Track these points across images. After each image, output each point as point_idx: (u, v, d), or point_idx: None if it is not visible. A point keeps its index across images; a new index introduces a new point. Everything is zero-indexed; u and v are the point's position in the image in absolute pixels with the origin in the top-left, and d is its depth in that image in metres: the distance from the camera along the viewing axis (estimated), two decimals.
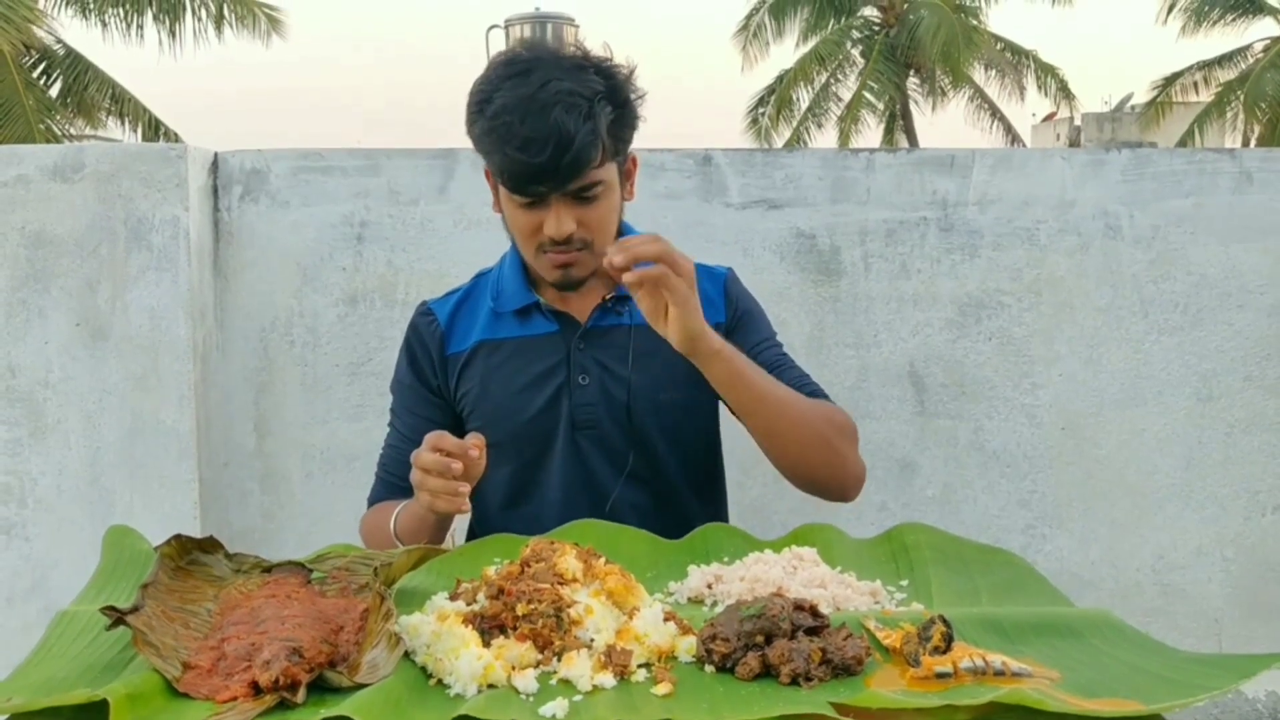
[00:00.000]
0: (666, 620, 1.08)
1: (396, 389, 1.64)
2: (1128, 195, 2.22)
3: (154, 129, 14.63)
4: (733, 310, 1.62)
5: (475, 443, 1.31)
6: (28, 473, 2.10)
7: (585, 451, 1.54)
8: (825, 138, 21.23)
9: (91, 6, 14.51)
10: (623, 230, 1.62)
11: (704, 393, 1.56)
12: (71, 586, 1.25)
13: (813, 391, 1.58)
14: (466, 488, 1.29)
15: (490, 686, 0.98)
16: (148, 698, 0.94)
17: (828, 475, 1.49)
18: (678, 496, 1.59)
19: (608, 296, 1.55)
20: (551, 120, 1.36)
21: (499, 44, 4.71)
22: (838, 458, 1.48)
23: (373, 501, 1.61)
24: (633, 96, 1.48)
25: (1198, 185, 2.22)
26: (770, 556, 1.27)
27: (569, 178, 1.39)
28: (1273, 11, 20.37)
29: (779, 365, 1.59)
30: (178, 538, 1.20)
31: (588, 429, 1.53)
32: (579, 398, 1.53)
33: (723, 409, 1.63)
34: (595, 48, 1.48)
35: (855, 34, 21.54)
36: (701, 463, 1.65)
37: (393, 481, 1.58)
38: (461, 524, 1.68)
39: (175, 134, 14.87)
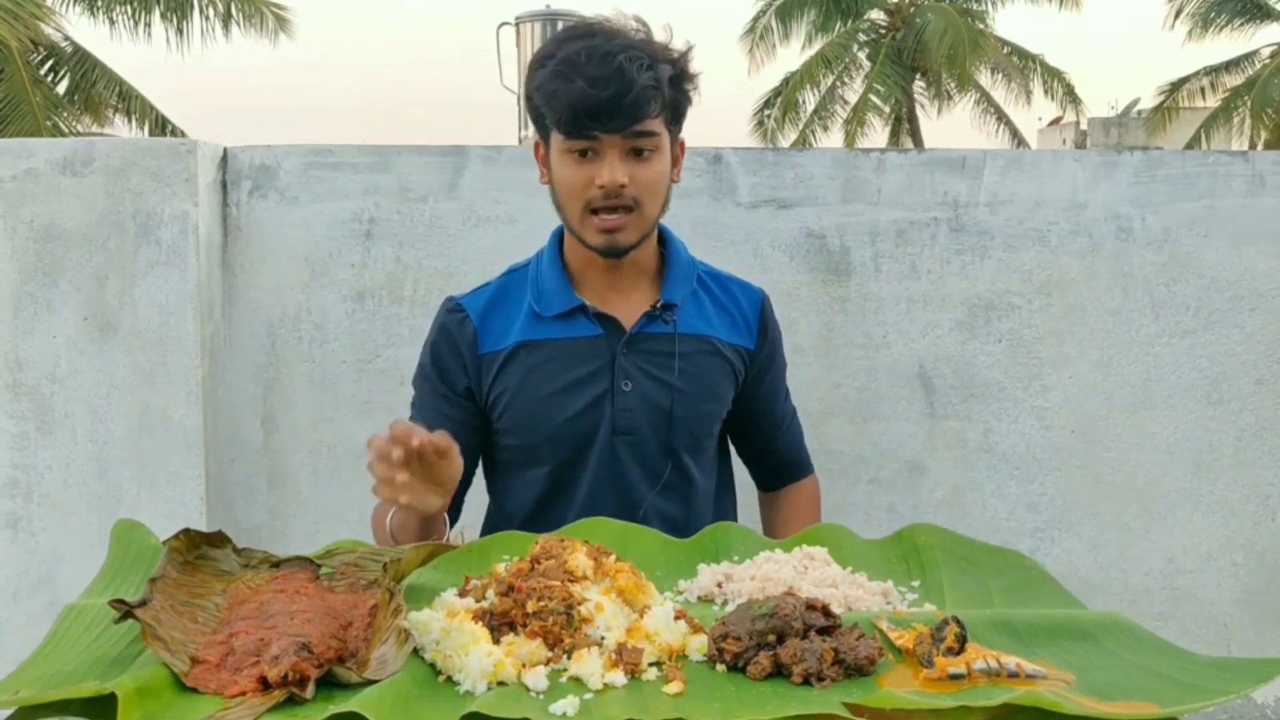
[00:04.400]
0: (677, 619, 1.07)
1: (419, 384, 1.61)
2: (1139, 197, 2.21)
3: (161, 127, 14.63)
4: (765, 341, 1.63)
5: (436, 441, 1.27)
6: (34, 467, 2.09)
7: (622, 458, 1.52)
8: (831, 140, 21.21)
9: (99, 4, 14.52)
10: (666, 236, 1.62)
11: (728, 403, 1.60)
12: (77, 581, 1.25)
13: (803, 463, 1.72)
14: (405, 476, 1.26)
15: (500, 684, 0.98)
16: (156, 692, 0.93)
17: None
18: (702, 505, 1.59)
19: (656, 304, 1.54)
20: (616, 64, 1.40)
21: (509, 42, 4.71)
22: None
23: None
24: (690, 72, 1.50)
25: (1210, 188, 2.20)
26: (781, 556, 1.26)
27: (628, 119, 1.42)
28: None
29: (782, 427, 1.69)
30: (186, 532, 1.19)
31: (626, 435, 1.52)
32: (621, 403, 1.51)
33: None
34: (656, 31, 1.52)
35: (861, 37, 21.52)
36: (719, 471, 1.66)
37: None
38: (477, 522, 1.67)
39: (182, 132, 14.86)
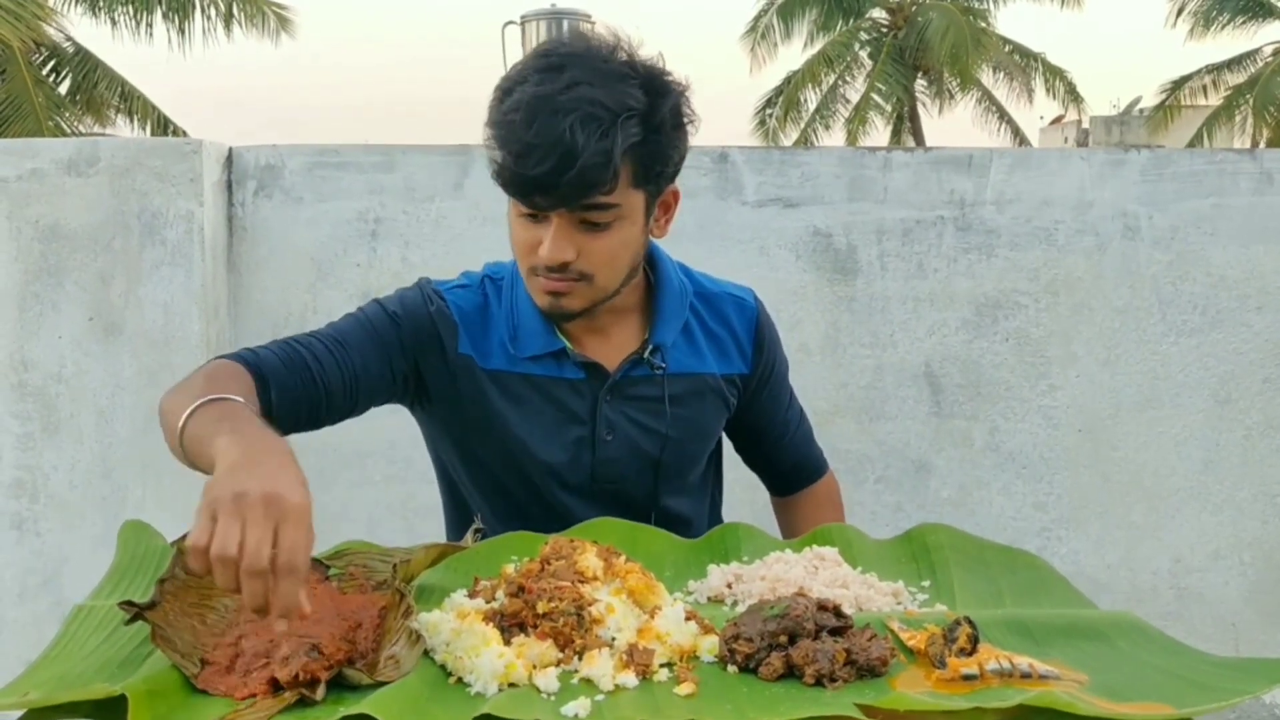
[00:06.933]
0: (688, 619, 1.07)
1: (364, 317, 1.39)
2: (1146, 196, 2.20)
3: (163, 127, 14.65)
4: (759, 359, 1.49)
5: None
6: (40, 467, 2.09)
7: (604, 505, 1.41)
8: (833, 139, 21.22)
9: (101, 4, 14.53)
10: (656, 260, 1.44)
11: (718, 433, 1.54)
12: (83, 582, 1.24)
13: (817, 462, 1.63)
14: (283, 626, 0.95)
15: (511, 685, 0.97)
16: (166, 694, 0.93)
17: None
18: (697, 524, 1.53)
19: (647, 354, 1.39)
20: (560, 130, 1.18)
21: (515, 41, 4.70)
22: None
23: (241, 359, 1.30)
24: (683, 120, 1.29)
25: (1217, 186, 2.20)
26: (791, 556, 1.25)
27: (570, 196, 1.22)
28: None
29: (788, 431, 1.59)
30: None
31: (609, 483, 1.42)
32: (602, 453, 1.40)
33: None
34: (650, 55, 1.28)
35: (863, 36, 21.53)
36: (709, 499, 1.61)
37: (281, 360, 1.31)
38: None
39: (184, 132, 14.86)
